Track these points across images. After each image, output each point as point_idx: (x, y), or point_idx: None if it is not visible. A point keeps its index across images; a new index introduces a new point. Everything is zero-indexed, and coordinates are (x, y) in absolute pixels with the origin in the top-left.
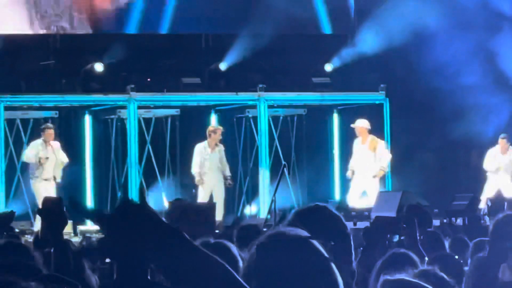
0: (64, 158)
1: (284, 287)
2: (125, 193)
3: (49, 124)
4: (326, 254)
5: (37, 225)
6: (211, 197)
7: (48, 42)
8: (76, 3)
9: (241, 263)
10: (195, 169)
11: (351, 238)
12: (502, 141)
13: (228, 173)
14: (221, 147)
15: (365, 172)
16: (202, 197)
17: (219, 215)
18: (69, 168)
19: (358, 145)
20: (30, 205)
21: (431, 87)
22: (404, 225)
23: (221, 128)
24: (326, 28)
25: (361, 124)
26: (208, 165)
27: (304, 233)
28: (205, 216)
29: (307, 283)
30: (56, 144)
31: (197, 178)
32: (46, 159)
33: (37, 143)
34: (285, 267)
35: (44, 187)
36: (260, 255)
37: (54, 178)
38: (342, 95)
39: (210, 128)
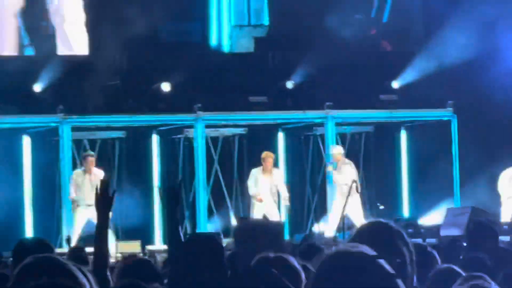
0: None
1: None
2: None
3: (90, 152)
4: (391, 271)
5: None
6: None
7: (114, 62)
8: None
9: (303, 275)
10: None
11: (413, 254)
12: None
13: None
14: (277, 171)
15: None
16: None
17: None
18: (138, 187)
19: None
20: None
21: (500, 102)
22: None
23: (271, 155)
24: (393, 44)
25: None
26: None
27: (369, 250)
28: (274, 235)
29: None
30: (100, 172)
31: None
32: (82, 185)
33: (75, 174)
34: (350, 285)
35: (81, 214)
36: (324, 272)
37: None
38: (409, 112)
39: (262, 155)
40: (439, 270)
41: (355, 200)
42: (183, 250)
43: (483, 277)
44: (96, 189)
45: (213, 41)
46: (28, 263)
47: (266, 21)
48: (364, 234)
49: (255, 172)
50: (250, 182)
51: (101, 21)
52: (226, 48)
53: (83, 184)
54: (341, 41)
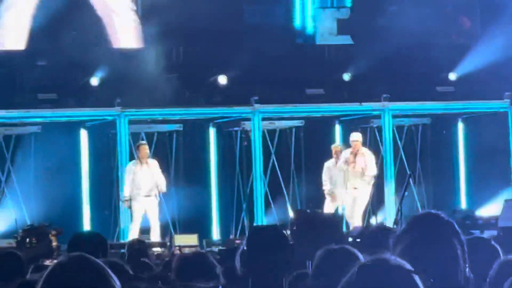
0: (161, 182)
1: None
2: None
3: (143, 141)
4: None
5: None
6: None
7: (172, 55)
8: None
9: None
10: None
11: (464, 244)
12: None
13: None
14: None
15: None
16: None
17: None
18: (195, 180)
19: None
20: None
21: None
22: None
23: (338, 146)
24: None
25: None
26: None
27: (407, 265)
28: (332, 227)
29: None
30: (154, 163)
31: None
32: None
33: (130, 165)
34: None
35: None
36: (359, 277)
37: (155, 196)
38: (466, 104)
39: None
40: (504, 262)
41: (365, 192)
42: (248, 241)
43: None
44: None
45: (297, 22)
46: (61, 262)
47: (348, 3)
48: (415, 225)
49: (328, 165)
50: (325, 177)
51: (155, 11)
52: (310, 30)
53: (137, 174)
54: (397, 32)
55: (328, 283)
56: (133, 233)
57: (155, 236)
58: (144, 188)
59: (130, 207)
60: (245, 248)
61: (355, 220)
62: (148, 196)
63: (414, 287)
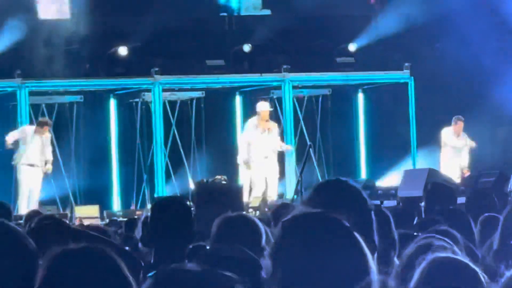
0: (49, 155)
1: (312, 261)
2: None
3: (45, 119)
4: (347, 224)
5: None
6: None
7: (72, 27)
8: None
9: (263, 231)
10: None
11: (372, 212)
12: None
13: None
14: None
15: None
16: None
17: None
18: (96, 151)
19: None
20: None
21: (455, 65)
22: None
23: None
24: (350, 8)
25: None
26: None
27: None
28: (232, 197)
29: (334, 255)
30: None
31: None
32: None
33: (26, 129)
34: (311, 242)
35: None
36: (285, 232)
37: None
38: (366, 75)
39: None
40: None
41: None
42: (152, 213)
43: (434, 237)
44: None
45: None
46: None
47: None
48: (322, 192)
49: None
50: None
51: None
52: (234, 3)
53: (29, 145)
54: (297, 3)
55: (227, 249)
56: (24, 204)
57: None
58: (33, 158)
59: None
60: (148, 219)
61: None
62: (33, 165)
63: (342, 228)
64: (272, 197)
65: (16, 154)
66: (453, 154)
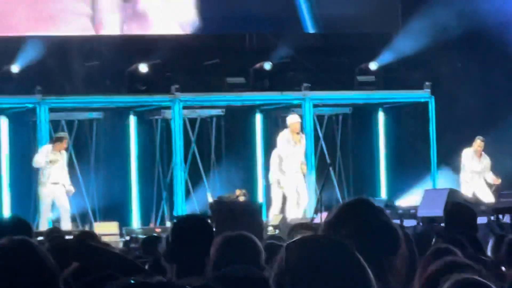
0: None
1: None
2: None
3: (64, 134)
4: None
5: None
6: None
7: (93, 44)
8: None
9: (263, 256)
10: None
11: (398, 230)
12: None
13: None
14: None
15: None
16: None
17: None
18: (115, 168)
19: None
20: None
21: (476, 84)
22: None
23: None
24: (371, 26)
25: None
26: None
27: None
28: (252, 215)
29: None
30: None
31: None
32: (55, 161)
33: (47, 148)
34: (314, 266)
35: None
36: (288, 255)
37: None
38: (387, 94)
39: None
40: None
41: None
42: (173, 230)
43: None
44: None
45: None
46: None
47: None
48: (346, 211)
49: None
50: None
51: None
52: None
53: (53, 160)
54: (319, 21)
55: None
56: (43, 222)
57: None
58: (56, 176)
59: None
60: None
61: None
62: (56, 183)
63: (353, 259)
64: (302, 207)
65: (40, 173)
66: (473, 176)
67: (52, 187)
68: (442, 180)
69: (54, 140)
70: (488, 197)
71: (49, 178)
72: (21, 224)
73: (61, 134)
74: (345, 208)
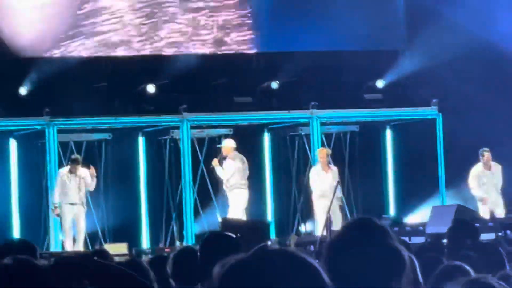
0: (88, 184)
1: None
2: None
3: (77, 156)
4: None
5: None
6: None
7: (100, 65)
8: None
9: None
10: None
11: (402, 252)
12: None
13: None
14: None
15: None
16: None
17: None
18: (124, 188)
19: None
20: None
21: (483, 101)
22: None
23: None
24: (378, 44)
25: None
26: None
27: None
28: (260, 234)
29: None
30: (84, 172)
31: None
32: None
33: (61, 173)
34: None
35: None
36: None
37: (82, 203)
38: (394, 111)
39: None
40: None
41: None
42: (203, 249)
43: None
44: None
45: None
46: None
47: None
48: (349, 231)
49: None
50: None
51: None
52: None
53: (66, 183)
54: (325, 40)
55: None
56: (68, 242)
57: (79, 245)
58: (72, 197)
59: (58, 215)
60: (198, 253)
61: None
62: (75, 204)
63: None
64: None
65: (56, 195)
66: (488, 189)
67: (69, 208)
68: (451, 197)
69: (70, 162)
70: (501, 210)
71: (65, 199)
72: (26, 246)
73: (75, 156)
74: (347, 229)
